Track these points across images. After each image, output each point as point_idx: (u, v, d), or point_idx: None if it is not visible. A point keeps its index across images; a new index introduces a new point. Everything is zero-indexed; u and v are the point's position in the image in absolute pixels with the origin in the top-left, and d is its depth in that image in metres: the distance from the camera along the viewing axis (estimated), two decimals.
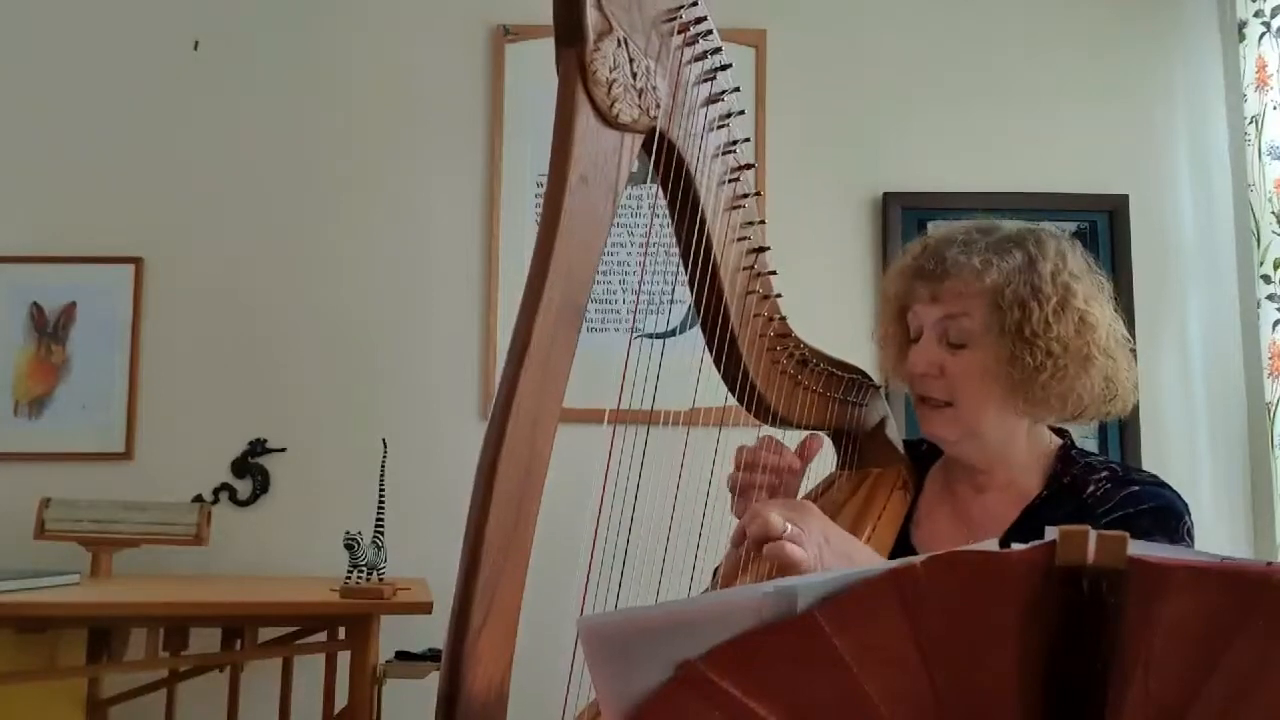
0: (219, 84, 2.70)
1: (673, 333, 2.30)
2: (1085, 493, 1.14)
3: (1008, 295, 1.12)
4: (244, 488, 2.60)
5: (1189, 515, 1.11)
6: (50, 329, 2.62)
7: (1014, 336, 1.11)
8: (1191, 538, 1.11)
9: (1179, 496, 1.13)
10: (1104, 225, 2.69)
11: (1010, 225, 1.20)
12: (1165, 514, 1.10)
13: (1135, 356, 1.19)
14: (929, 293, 1.17)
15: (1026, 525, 1.14)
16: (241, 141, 2.69)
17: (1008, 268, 1.13)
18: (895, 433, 1.33)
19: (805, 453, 1.22)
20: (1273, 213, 2.46)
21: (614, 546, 0.91)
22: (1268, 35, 2.51)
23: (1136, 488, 1.12)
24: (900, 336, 1.24)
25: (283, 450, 2.61)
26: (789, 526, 0.94)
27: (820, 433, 1.25)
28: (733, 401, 1.12)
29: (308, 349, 2.63)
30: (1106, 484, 1.14)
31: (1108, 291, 1.19)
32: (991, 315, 1.13)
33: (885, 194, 2.69)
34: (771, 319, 1.11)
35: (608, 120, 0.83)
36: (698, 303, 1.04)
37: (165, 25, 2.71)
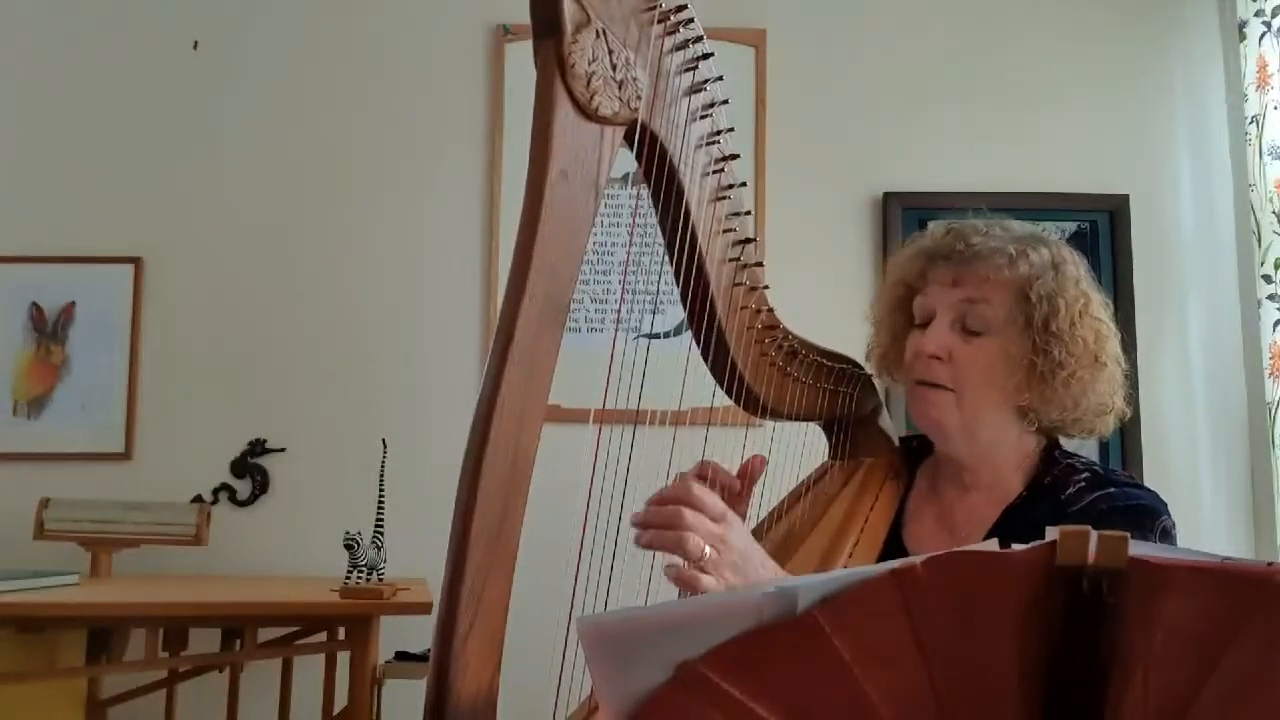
0: (219, 84, 2.70)
1: (673, 332, 2.32)
2: (1064, 493, 1.13)
3: (1037, 288, 1.12)
4: (243, 488, 2.59)
5: (1168, 516, 1.09)
6: (49, 329, 2.62)
7: (1040, 331, 1.11)
8: (1169, 537, 1.09)
9: (1157, 498, 1.12)
10: (1104, 225, 2.68)
11: (1028, 228, 1.20)
12: (1138, 513, 1.09)
13: (1136, 382, 1.19)
14: (951, 275, 1.16)
15: (1005, 525, 1.14)
16: (241, 141, 2.69)
17: (1038, 262, 1.13)
18: (889, 422, 1.33)
19: (748, 474, 1.16)
20: (1273, 212, 2.45)
21: (602, 547, 0.91)
22: (1268, 35, 2.51)
23: (1113, 489, 1.12)
24: (897, 322, 1.23)
25: (282, 450, 2.60)
26: (708, 550, 0.91)
27: (762, 454, 1.23)
28: (721, 397, 1.11)
29: (307, 349, 2.63)
30: (1083, 484, 1.13)
31: (1110, 312, 1.19)
32: (1017, 306, 1.13)
33: (885, 194, 2.69)
34: (759, 310, 1.10)
35: (587, 113, 0.82)
36: (684, 295, 1.04)
37: (165, 25, 2.71)
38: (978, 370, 1.14)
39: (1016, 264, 1.13)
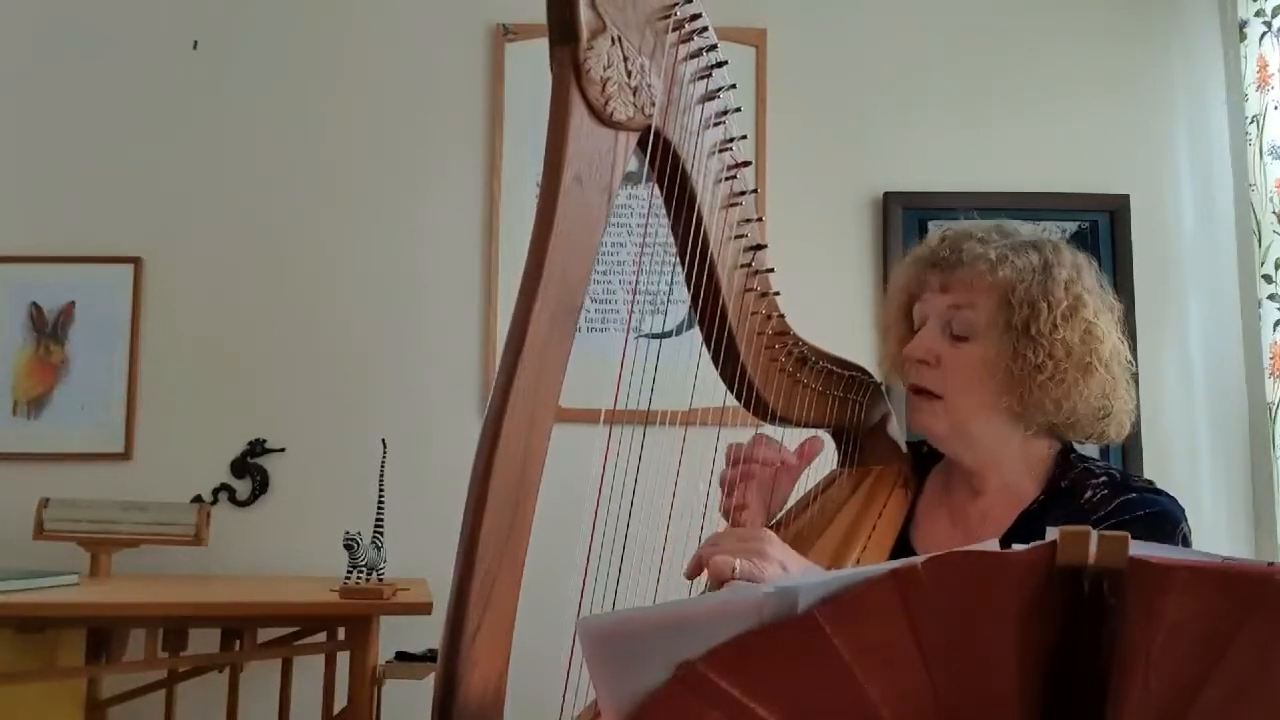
0: (219, 84, 2.70)
1: (673, 333, 2.32)
2: (1082, 498, 1.13)
3: (1019, 292, 1.12)
4: (243, 488, 2.59)
5: (1186, 522, 1.10)
6: (49, 329, 2.62)
7: (1020, 334, 1.11)
8: (1188, 544, 1.09)
9: (1176, 503, 1.12)
10: (1104, 225, 2.68)
11: (1029, 231, 1.20)
12: (1161, 520, 1.09)
13: (1137, 383, 1.19)
14: (939, 281, 1.17)
15: (1023, 529, 1.13)
16: (241, 141, 2.69)
17: (1023, 266, 1.13)
18: (897, 430, 1.33)
19: (805, 453, 1.20)
20: (1274, 212, 2.45)
21: (611, 547, 0.91)
22: (1269, 35, 2.51)
23: (1133, 494, 1.11)
24: (903, 329, 1.24)
25: (282, 450, 2.60)
26: (738, 564, 0.92)
27: (822, 434, 1.25)
28: (731, 400, 1.12)
29: (307, 349, 2.63)
30: (1103, 489, 1.13)
31: (1117, 314, 1.18)
32: (999, 311, 1.13)
33: (885, 194, 2.69)
34: (769, 316, 1.10)
35: (602, 119, 0.83)
36: (695, 301, 1.04)
37: (165, 25, 2.71)
38: (961, 375, 1.15)
39: (999, 269, 1.13)
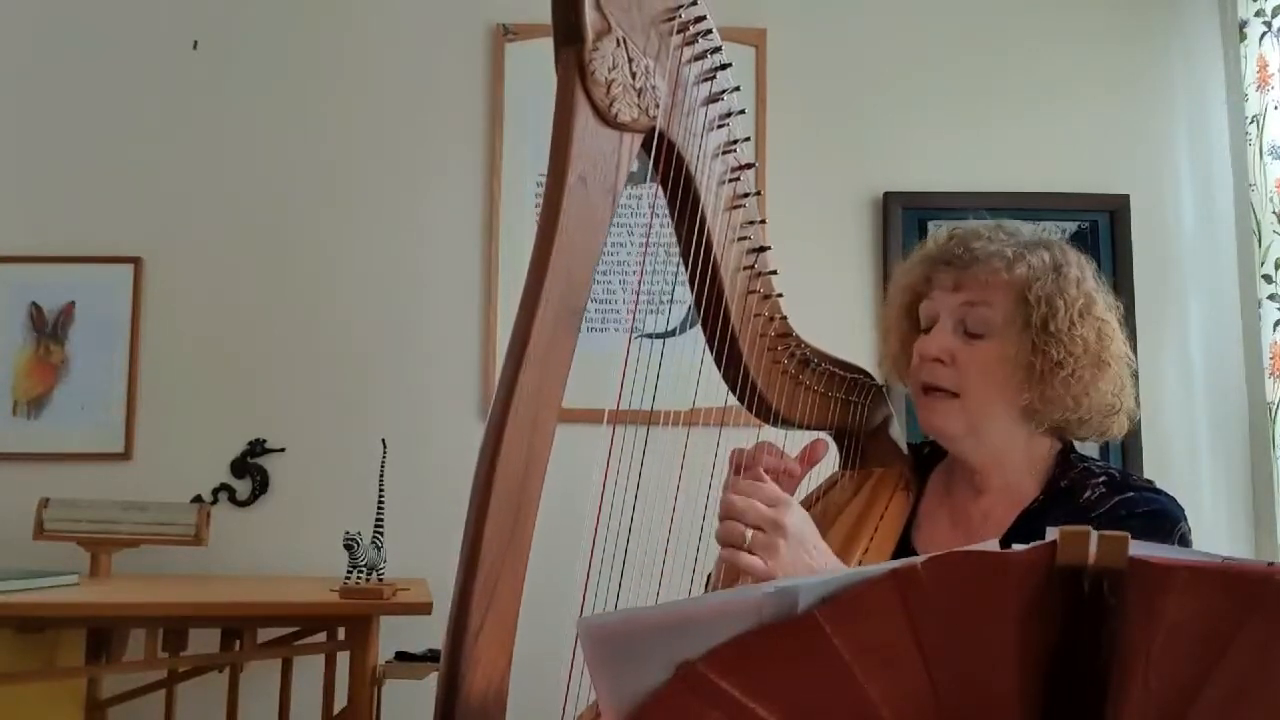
0: (219, 84, 2.70)
1: (672, 333, 2.31)
2: (1082, 497, 1.14)
3: (1036, 290, 1.13)
4: (243, 488, 2.59)
5: (1185, 521, 1.10)
6: (49, 329, 2.62)
7: (1039, 331, 1.12)
8: (1187, 544, 1.09)
9: (1175, 503, 1.12)
10: (1104, 225, 2.68)
11: (1030, 230, 1.21)
12: (1159, 518, 1.09)
13: (1137, 382, 1.20)
14: (952, 280, 1.17)
15: (1024, 529, 1.14)
16: (241, 141, 2.68)
17: (1037, 264, 1.14)
18: (899, 433, 1.33)
19: (808, 458, 1.20)
20: (1274, 212, 2.45)
21: (614, 547, 0.91)
22: (1269, 35, 2.51)
23: (1132, 493, 1.12)
24: (905, 329, 1.24)
25: (282, 450, 2.60)
26: (749, 534, 0.96)
27: (825, 437, 1.25)
28: (734, 402, 1.12)
29: (307, 349, 2.62)
30: (1103, 488, 1.14)
31: (1118, 313, 1.20)
32: (1016, 308, 1.13)
33: (885, 194, 2.69)
34: (772, 319, 1.10)
35: (607, 120, 0.83)
36: (698, 303, 1.04)
37: (165, 25, 2.71)
38: (978, 372, 1.15)
39: (1015, 266, 1.14)
